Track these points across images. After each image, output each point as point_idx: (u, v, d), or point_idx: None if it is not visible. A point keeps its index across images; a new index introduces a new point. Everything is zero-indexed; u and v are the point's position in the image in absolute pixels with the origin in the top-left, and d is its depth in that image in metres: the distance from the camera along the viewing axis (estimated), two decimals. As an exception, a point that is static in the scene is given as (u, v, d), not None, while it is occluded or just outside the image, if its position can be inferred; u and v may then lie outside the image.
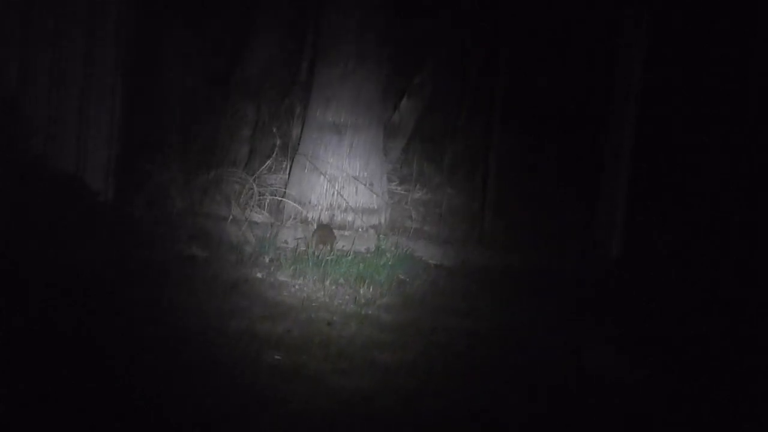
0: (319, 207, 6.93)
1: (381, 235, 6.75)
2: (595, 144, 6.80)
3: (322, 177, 6.97)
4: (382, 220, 7.05)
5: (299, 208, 6.92)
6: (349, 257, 6.33)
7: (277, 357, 4.70)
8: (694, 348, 5.19)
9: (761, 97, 6.15)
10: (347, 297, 5.77)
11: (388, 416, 4.22)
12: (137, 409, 3.97)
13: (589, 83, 6.83)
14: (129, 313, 4.99)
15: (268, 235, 6.50)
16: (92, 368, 4.24)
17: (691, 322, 5.52)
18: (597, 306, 5.81)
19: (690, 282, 5.99)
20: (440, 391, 4.53)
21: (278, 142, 7.42)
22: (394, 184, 7.52)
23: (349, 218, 6.93)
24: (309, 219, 6.88)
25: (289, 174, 7.18)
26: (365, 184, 7.01)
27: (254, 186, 6.99)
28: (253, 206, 6.90)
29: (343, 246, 6.51)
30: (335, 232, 6.62)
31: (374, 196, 7.04)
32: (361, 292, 5.85)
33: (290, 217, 6.90)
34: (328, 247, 6.42)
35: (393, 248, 6.53)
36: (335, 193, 6.95)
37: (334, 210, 6.94)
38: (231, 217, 6.71)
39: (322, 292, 5.80)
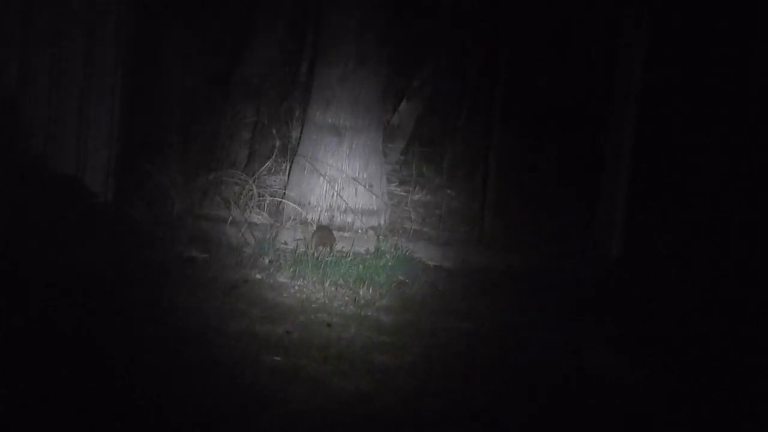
0: (319, 208, 6.93)
1: (380, 237, 6.74)
2: (595, 144, 6.79)
3: (321, 178, 6.96)
4: (382, 222, 7.05)
5: (299, 209, 6.92)
6: (349, 258, 6.32)
7: (276, 358, 4.69)
8: (694, 348, 5.19)
9: (761, 97, 6.15)
10: (347, 298, 5.76)
11: (387, 416, 4.22)
12: (137, 409, 3.97)
13: (589, 83, 6.83)
14: (129, 314, 4.99)
15: (267, 236, 6.49)
16: (92, 368, 4.24)
17: (691, 322, 5.51)
18: (597, 306, 5.80)
19: (690, 282, 5.99)
20: (440, 392, 4.53)
21: (278, 143, 7.43)
22: (393, 185, 7.52)
23: (349, 219, 6.93)
24: (308, 220, 6.88)
25: (289, 175, 7.17)
26: (365, 186, 7.00)
27: (254, 187, 6.99)
28: (252, 207, 6.90)
29: (342, 247, 6.51)
30: (335, 233, 6.62)
31: (374, 197, 7.03)
32: (361, 293, 5.84)
33: (290, 218, 6.90)
34: (328, 249, 6.41)
35: (393, 249, 6.52)
36: (335, 194, 6.95)
37: (334, 211, 6.93)
38: (231, 218, 6.71)
39: (322, 294, 5.80)
